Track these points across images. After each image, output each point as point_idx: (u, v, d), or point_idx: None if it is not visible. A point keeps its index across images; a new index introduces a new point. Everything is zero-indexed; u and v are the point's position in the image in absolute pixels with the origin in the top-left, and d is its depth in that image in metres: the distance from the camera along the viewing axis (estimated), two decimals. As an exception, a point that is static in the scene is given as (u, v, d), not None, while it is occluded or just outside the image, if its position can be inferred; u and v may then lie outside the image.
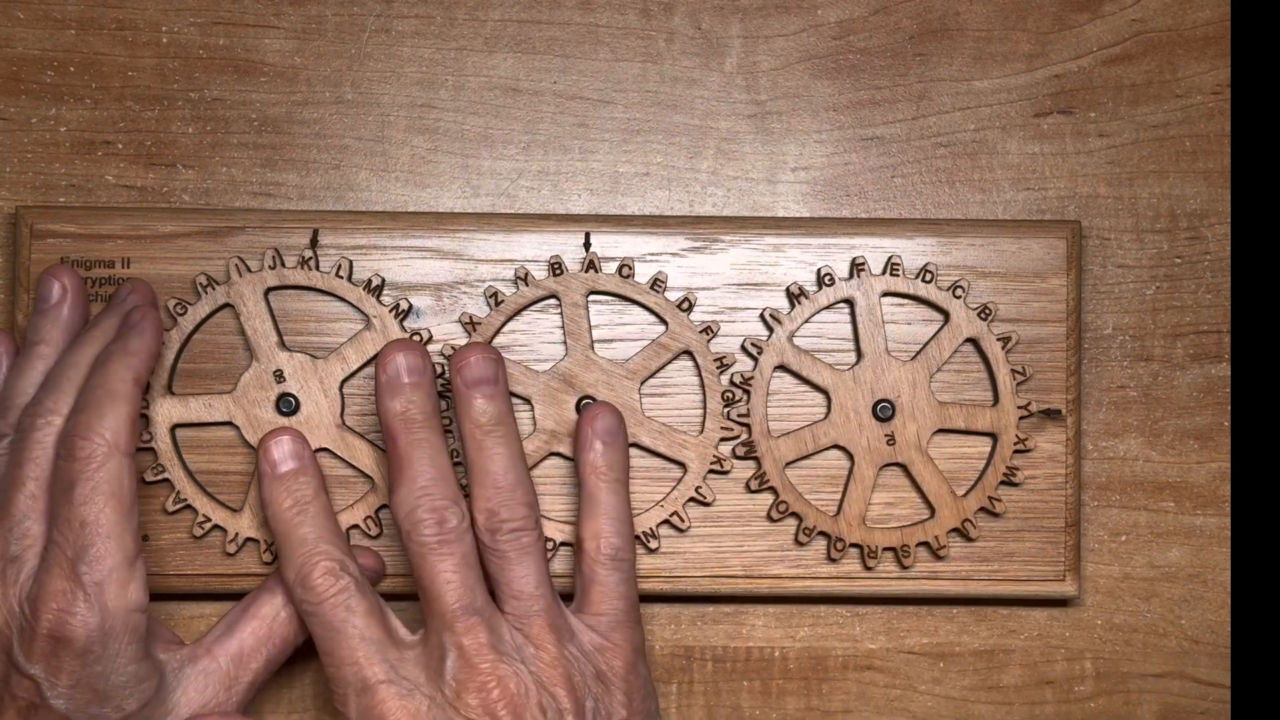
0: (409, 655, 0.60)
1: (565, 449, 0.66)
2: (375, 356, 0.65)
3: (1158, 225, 0.68)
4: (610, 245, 0.66)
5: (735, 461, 0.66)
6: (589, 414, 0.63)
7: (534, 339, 0.66)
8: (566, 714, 0.59)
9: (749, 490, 0.66)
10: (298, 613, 0.61)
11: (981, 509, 0.66)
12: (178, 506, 0.66)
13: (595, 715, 0.60)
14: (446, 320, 0.66)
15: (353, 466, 0.66)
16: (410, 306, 0.66)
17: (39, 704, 0.59)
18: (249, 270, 0.66)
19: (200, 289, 0.65)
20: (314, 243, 0.66)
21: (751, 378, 0.66)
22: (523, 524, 0.61)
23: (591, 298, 0.66)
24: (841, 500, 0.66)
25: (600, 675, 0.61)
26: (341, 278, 0.66)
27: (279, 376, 0.65)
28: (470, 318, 0.66)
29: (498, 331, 0.66)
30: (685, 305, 0.66)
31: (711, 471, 0.66)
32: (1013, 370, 0.66)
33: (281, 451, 0.62)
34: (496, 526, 0.61)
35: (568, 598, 0.64)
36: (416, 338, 0.66)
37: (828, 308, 0.66)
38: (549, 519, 0.66)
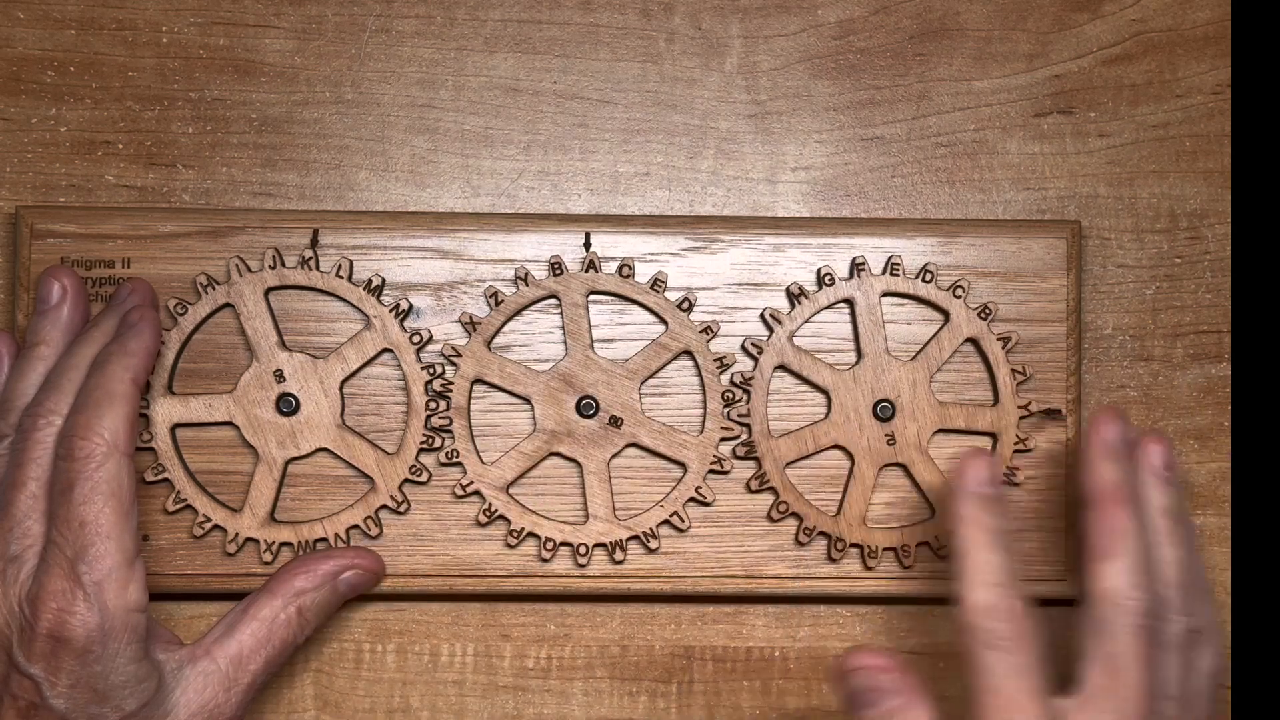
0: (1069, 704, 0.59)
1: (565, 449, 0.66)
2: (373, 357, 0.65)
3: (1158, 225, 0.68)
4: (610, 245, 0.66)
5: (735, 461, 0.66)
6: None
7: (534, 339, 0.66)
8: None
9: (749, 490, 0.66)
10: (964, 638, 0.60)
11: (981, 509, 0.66)
12: (178, 506, 0.65)
13: None
14: (446, 320, 0.66)
15: (353, 467, 0.66)
16: (410, 306, 0.66)
17: (38, 704, 0.59)
18: (249, 270, 0.65)
19: (200, 289, 0.65)
20: (314, 243, 0.66)
21: (751, 377, 0.66)
22: (1172, 623, 0.61)
23: (591, 298, 0.66)
24: (842, 500, 0.66)
25: None
26: (341, 278, 0.66)
27: (279, 376, 0.65)
28: (470, 318, 0.66)
29: (498, 331, 0.66)
30: (685, 305, 0.66)
31: (711, 471, 0.66)
32: (1013, 370, 0.66)
33: (981, 475, 0.61)
34: (1149, 615, 0.60)
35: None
36: (416, 337, 0.66)
37: (828, 308, 0.66)
38: (547, 518, 0.66)
